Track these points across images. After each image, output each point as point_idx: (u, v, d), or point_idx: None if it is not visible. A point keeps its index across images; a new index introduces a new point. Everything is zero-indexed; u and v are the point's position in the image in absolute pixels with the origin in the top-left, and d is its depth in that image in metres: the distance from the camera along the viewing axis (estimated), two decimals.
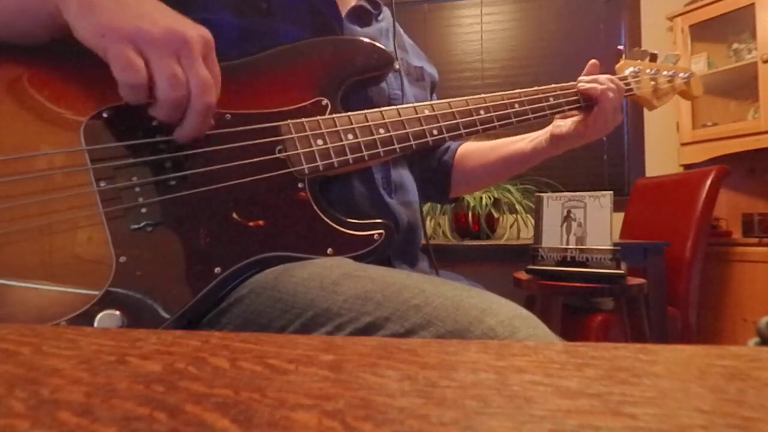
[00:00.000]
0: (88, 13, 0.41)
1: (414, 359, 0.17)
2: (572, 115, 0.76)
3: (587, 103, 0.73)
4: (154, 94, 0.42)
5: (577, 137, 0.75)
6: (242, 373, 0.16)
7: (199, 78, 0.43)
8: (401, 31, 0.78)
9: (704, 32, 2.30)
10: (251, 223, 0.48)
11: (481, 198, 1.89)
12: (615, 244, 1.05)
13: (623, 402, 0.13)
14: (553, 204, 1.11)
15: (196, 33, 0.43)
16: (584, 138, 0.75)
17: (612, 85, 0.73)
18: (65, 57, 0.46)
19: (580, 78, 0.77)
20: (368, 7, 0.67)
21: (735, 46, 2.29)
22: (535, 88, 0.70)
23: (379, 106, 0.58)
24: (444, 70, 2.61)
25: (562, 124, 0.76)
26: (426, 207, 1.99)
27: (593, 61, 0.78)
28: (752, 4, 2.09)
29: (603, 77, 0.74)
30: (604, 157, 2.48)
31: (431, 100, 0.78)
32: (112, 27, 0.41)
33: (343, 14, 0.64)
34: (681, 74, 0.84)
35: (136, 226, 0.44)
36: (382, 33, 0.69)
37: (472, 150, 0.85)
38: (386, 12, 0.74)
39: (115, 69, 0.41)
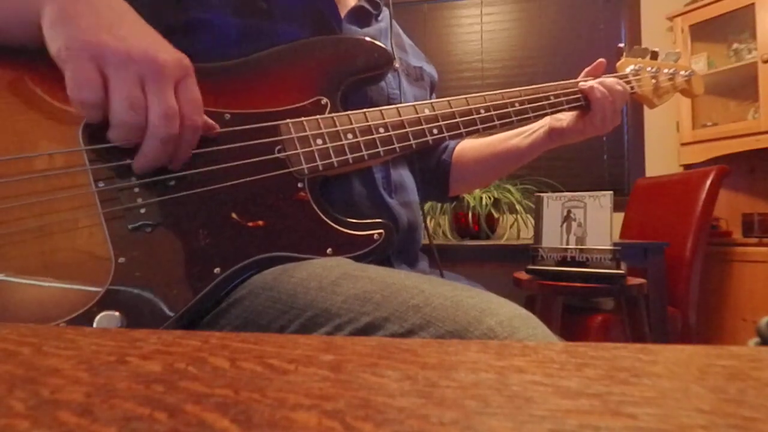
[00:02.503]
0: (61, 24, 0.40)
1: (414, 359, 0.17)
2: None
3: (587, 101, 0.73)
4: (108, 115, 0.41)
5: (577, 133, 0.75)
6: (242, 373, 0.16)
7: (162, 105, 0.41)
8: (400, 31, 0.78)
9: (704, 32, 2.30)
10: (251, 224, 0.48)
11: (481, 198, 1.89)
12: (615, 244, 1.05)
13: (623, 402, 0.13)
14: (553, 204, 1.11)
15: (171, 57, 0.42)
16: (583, 134, 0.75)
17: (618, 88, 0.74)
18: None
19: (583, 76, 0.77)
20: (368, 7, 0.67)
21: (735, 46, 2.30)
22: (536, 86, 0.70)
23: (378, 106, 0.58)
24: (444, 70, 2.61)
25: (563, 118, 0.76)
26: (426, 207, 1.99)
27: (601, 60, 0.78)
28: (752, 4, 2.10)
29: (607, 79, 0.74)
30: (604, 157, 2.48)
31: (431, 99, 0.78)
32: (79, 40, 0.39)
33: (343, 14, 0.64)
34: (682, 72, 0.84)
35: (134, 227, 0.44)
36: (382, 33, 0.69)
37: (469, 148, 0.84)
38: (385, 12, 0.74)
39: (68, 83, 0.39)
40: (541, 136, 0.77)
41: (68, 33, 0.40)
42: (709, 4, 2.22)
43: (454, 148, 0.85)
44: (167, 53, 0.42)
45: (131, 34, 0.41)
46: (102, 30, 0.40)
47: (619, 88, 0.74)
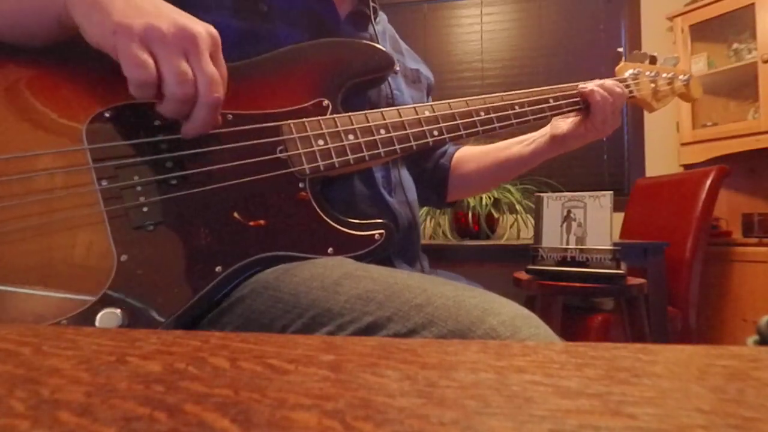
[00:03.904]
0: (99, 12, 0.42)
1: (414, 359, 0.17)
2: (572, 116, 0.76)
3: (586, 104, 0.73)
4: (161, 91, 0.43)
5: (578, 138, 0.75)
6: (242, 373, 0.16)
7: (207, 74, 0.43)
8: (396, 35, 0.78)
9: (704, 32, 2.30)
10: (252, 223, 0.48)
11: (481, 198, 1.89)
12: (615, 244, 1.05)
13: (623, 402, 0.13)
14: (553, 204, 1.11)
15: (204, 29, 0.44)
16: (584, 138, 0.75)
17: (618, 90, 0.74)
18: (68, 57, 0.47)
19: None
20: (366, 10, 0.68)
21: (735, 46, 2.29)
22: (536, 89, 0.70)
23: (377, 107, 0.58)
24: (444, 70, 2.61)
25: (562, 125, 0.76)
26: (426, 207, 1.99)
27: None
28: (752, 4, 2.09)
29: (607, 82, 0.75)
30: (604, 157, 2.48)
31: (428, 101, 0.78)
32: (123, 25, 0.41)
33: (342, 18, 0.64)
34: (680, 77, 0.85)
35: (137, 225, 0.44)
36: (379, 36, 0.69)
37: (469, 154, 0.84)
38: (382, 16, 0.74)
39: (126, 66, 0.41)
40: (543, 144, 0.77)
41: (110, 19, 0.41)
42: (709, 4, 2.22)
43: (453, 154, 0.85)
44: (199, 25, 0.44)
45: (164, 13, 0.43)
46: (139, 12, 0.42)
47: (618, 90, 0.74)
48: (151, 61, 0.41)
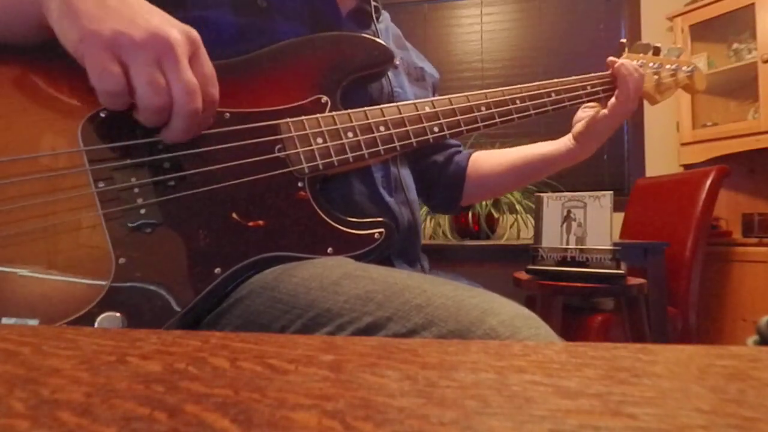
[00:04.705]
0: (69, 18, 0.40)
1: (414, 359, 0.17)
2: (589, 109, 0.76)
3: (593, 97, 0.73)
4: (135, 101, 0.42)
5: (602, 123, 0.75)
6: (242, 373, 0.16)
7: (183, 83, 0.41)
8: (400, 33, 0.78)
9: (704, 32, 2.30)
10: (251, 223, 0.48)
11: None
12: (615, 244, 1.05)
13: (623, 402, 0.13)
14: (553, 204, 1.11)
15: (181, 33, 0.42)
16: (612, 120, 0.74)
17: (634, 66, 0.75)
18: (62, 57, 0.46)
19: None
20: (368, 8, 0.67)
21: (735, 46, 2.30)
22: (537, 83, 0.69)
23: (378, 104, 0.58)
24: (444, 70, 2.61)
25: (581, 121, 0.76)
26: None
27: None
28: (752, 4, 2.09)
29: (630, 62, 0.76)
30: (604, 157, 2.48)
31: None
32: (91, 32, 0.39)
33: (343, 14, 0.64)
34: (684, 68, 0.83)
35: (135, 227, 0.44)
36: (381, 33, 0.69)
37: (487, 153, 0.83)
38: (386, 15, 0.74)
39: (92, 76, 0.40)
40: (566, 143, 0.78)
41: (78, 25, 0.40)
42: (709, 4, 2.22)
43: (469, 155, 0.83)
44: (176, 29, 0.42)
45: (138, 16, 0.41)
46: (110, 18, 0.40)
47: (635, 67, 0.75)
48: (117, 71, 0.40)
